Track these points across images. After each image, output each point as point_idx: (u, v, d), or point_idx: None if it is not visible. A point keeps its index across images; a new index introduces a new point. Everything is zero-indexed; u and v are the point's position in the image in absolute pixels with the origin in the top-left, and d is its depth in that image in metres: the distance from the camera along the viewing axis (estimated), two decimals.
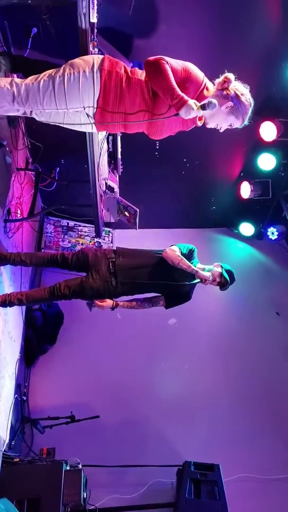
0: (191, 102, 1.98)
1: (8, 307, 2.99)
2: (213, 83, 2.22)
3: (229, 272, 2.98)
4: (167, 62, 2.02)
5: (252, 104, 2.22)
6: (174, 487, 3.84)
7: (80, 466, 3.21)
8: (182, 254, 2.92)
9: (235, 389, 4.54)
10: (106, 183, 3.37)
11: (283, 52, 3.46)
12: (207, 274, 2.90)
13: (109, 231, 5.25)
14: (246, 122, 2.27)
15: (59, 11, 2.56)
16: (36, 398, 4.16)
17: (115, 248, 3.11)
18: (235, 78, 2.20)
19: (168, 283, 2.91)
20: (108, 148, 3.25)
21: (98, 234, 3.68)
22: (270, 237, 5.16)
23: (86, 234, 5.12)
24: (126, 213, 3.63)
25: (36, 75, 2.08)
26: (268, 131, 4.02)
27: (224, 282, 2.95)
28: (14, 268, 3.53)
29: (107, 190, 3.42)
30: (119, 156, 3.40)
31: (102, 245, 5.12)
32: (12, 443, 3.35)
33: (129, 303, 3.06)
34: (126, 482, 3.90)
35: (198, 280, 2.93)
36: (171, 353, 4.69)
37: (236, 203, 5.13)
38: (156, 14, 3.17)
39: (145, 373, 4.50)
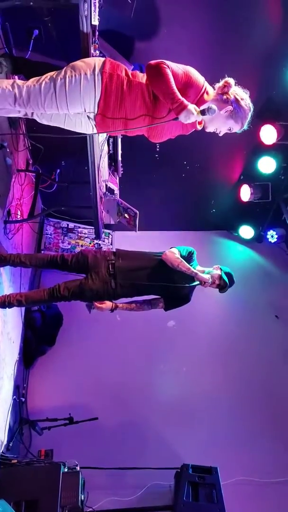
0: (191, 107, 2.00)
1: (7, 308, 2.99)
2: (213, 88, 2.23)
3: (228, 275, 2.98)
4: (168, 66, 2.03)
5: (252, 109, 2.23)
6: (172, 490, 3.83)
7: (78, 468, 3.20)
8: (181, 256, 2.92)
9: (234, 392, 4.54)
10: (106, 185, 3.38)
11: (284, 55, 3.47)
12: (206, 276, 2.90)
13: (109, 233, 5.25)
14: (245, 127, 2.28)
15: (61, 13, 2.57)
16: (35, 400, 4.15)
17: (114, 250, 3.11)
18: (235, 83, 2.21)
19: (167, 285, 2.91)
20: (109, 150, 3.25)
21: (98, 236, 3.68)
22: (270, 240, 5.17)
23: (86, 235, 5.13)
24: (126, 215, 3.64)
25: (38, 77, 2.09)
26: (268, 134, 4.03)
27: (223, 284, 2.95)
28: (14, 269, 3.53)
29: (107, 192, 3.43)
30: (120, 158, 3.41)
31: (101, 247, 5.12)
32: (10, 445, 3.35)
33: (129, 305, 3.06)
34: (124, 484, 3.89)
35: (197, 282, 2.93)
36: (170, 355, 4.69)
37: (236, 206, 5.13)
38: (157, 17, 3.18)
39: (144, 375, 4.50)
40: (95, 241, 5.11)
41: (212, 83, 2.24)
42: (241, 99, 2.19)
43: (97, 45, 2.24)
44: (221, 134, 2.32)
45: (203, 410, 4.39)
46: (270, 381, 4.65)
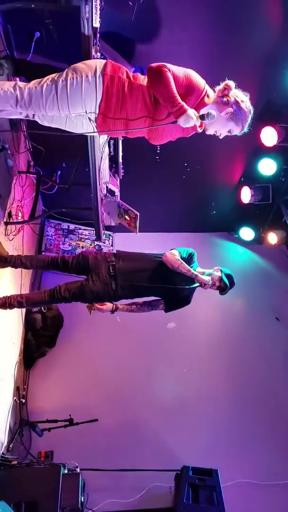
0: (191, 111, 2.02)
1: (8, 310, 2.99)
2: (214, 90, 2.25)
3: (228, 277, 2.98)
4: (169, 70, 2.03)
5: (252, 112, 2.24)
6: (172, 492, 3.82)
7: (78, 469, 3.20)
8: (182, 258, 2.92)
9: (234, 393, 4.53)
10: (107, 187, 3.38)
11: (284, 57, 3.48)
12: (206, 278, 2.90)
13: (110, 235, 5.26)
14: (245, 130, 2.29)
15: (62, 15, 2.58)
16: (35, 401, 4.15)
17: (115, 252, 3.12)
18: (236, 85, 2.23)
19: (167, 286, 2.91)
20: (109, 152, 3.26)
21: (98, 238, 3.68)
22: (270, 242, 5.16)
23: (86, 237, 5.13)
24: (126, 216, 3.64)
25: (39, 79, 2.09)
26: (269, 136, 4.03)
27: (223, 286, 2.95)
28: (15, 271, 3.54)
29: (108, 194, 3.44)
30: (120, 160, 3.42)
31: (102, 249, 5.13)
32: (10, 446, 3.34)
33: (129, 306, 3.07)
34: (124, 486, 3.88)
35: (197, 284, 2.93)
36: (170, 356, 4.68)
37: (237, 208, 5.14)
38: (158, 19, 3.18)
39: (144, 377, 4.50)
40: (96, 243, 5.12)
41: (212, 85, 2.26)
42: (242, 101, 2.21)
43: (98, 47, 2.25)
44: (221, 137, 2.32)
45: (203, 411, 4.38)
46: (271, 383, 4.64)
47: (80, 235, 5.12)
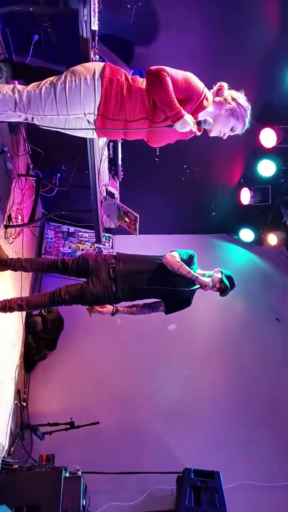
0: (188, 117, 2.03)
1: (8, 313, 2.99)
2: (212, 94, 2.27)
3: (229, 278, 2.98)
4: (168, 74, 2.04)
5: (250, 107, 2.28)
6: (174, 494, 3.81)
7: (79, 472, 3.20)
8: (182, 260, 2.92)
9: (235, 395, 4.53)
10: (106, 189, 3.39)
11: (283, 58, 3.49)
12: (207, 280, 2.90)
13: (110, 237, 5.26)
14: (247, 125, 2.30)
15: (61, 18, 2.58)
16: (36, 404, 4.14)
17: (115, 254, 3.11)
18: (229, 87, 2.28)
19: (168, 288, 2.91)
20: (109, 154, 3.26)
21: (98, 240, 3.68)
22: (270, 243, 5.16)
23: (86, 239, 5.13)
24: (126, 219, 3.64)
25: (38, 82, 2.09)
26: (268, 137, 4.03)
27: (224, 288, 2.95)
28: (15, 274, 3.53)
29: (107, 196, 3.44)
30: (120, 162, 3.42)
31: (102, 251, 5.12)
32: (11, 450, 3.34)
33: (129, 308, 3.06)
34: (126, 489, 3.87)
35: (198, 286, 2.93)
36: (171, 358, 4.68)
37: (236, 209, 5.14)
38: (156, 21, 3.19)
39: (145, 379, 4.49)
40: (96, 245, 5.11)
41: (211, 87, 2.27)
42: (238, 97, 2.26)
43: (96, 50, 2.25)
44: (225, 137, 2.34)
45: (205, 413, 4.38)
46: (271, 384, 4.64)
47: (80, 238, 5.12)
